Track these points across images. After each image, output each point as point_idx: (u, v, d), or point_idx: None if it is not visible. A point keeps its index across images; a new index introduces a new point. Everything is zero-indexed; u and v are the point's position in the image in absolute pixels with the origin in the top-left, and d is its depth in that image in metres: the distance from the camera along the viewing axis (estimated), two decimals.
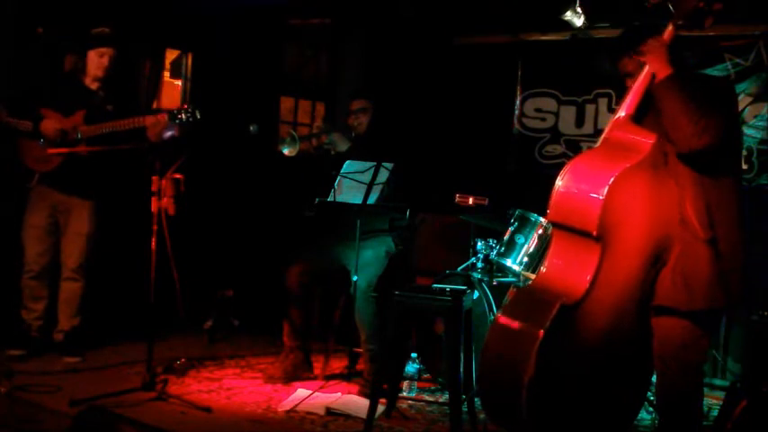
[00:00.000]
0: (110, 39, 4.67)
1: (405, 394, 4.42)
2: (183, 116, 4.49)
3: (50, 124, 4.52)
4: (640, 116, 3.16)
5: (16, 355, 4.56)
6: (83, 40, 4.71)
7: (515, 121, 6.00)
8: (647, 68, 3.10)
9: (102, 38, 4.66)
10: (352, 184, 4.27)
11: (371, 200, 4.28)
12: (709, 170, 2.98)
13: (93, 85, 4.69)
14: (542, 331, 3.00)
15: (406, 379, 4.53)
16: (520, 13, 5.83)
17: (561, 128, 5.85)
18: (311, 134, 4.83)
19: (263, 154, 5.76)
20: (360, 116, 4.77)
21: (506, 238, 4.57)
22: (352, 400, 4.21)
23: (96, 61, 4.65)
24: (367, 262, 4.45)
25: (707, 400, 4.23)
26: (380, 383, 3.95)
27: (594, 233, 3.01)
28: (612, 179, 2.99)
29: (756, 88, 5.09)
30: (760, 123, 5.08)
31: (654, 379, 3.26)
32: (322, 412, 4.02)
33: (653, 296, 3.07)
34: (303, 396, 4.20)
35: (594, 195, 3.02)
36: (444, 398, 4.39)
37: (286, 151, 4.57)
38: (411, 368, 4.68)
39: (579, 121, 5.78)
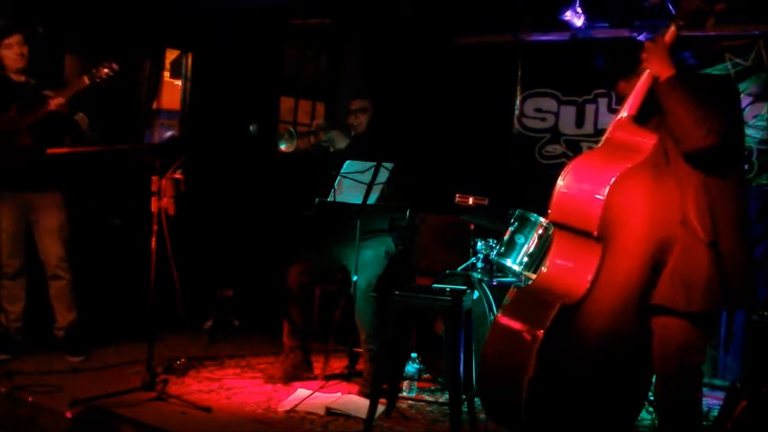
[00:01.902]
0: (8, 27, 4.53)
1: (405, 394, 4.42)
2: (103, 73, 4.37)
3: None
4: (642, 117, 3.16)
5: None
6: None
7: (515, 121, 6.00)
8: (648, 70, 3.10)
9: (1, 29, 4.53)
10: (352, 184, 4.27)
11: (371, 200, 4.28)
12: (711, 171, 2.98)
13: (21, 78, 4.58)
14: (543, 331, 3.00)
15: (406, 379, 4.52)
16: (520, 13, 5.83)
17: (561, 128, 5.85)
18: (309, 131, 4.83)
19: (263, 154, 5.76)
20: (359, 116, 4.77)
21: (506, 238, 4.58)
22: (352, 400, 4.21)
23: (8, 55, 4.52)
24: (367, 262, 4.45)
25: (707, 400, 4.23)
26: (380, 383, 3.95)
27: (595, 233, 3.01)
28: (613, 179, 2.99)
29: (756, 88, 5.09)
30: (760, 123, 5.08)
31: (654, 379, 3.26)
32: (322, 412, 4.02)
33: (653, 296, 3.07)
34: (303, 396, 4.20)
35: (595, 195, 3.02)
36: (444, 398, 4.38)
37: (283, 147, 4.57)
38: (411, 368, 4.68)
39: (579, 121, 5.78)
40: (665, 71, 3.02)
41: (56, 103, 4.41)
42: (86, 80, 4.41)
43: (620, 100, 3.26)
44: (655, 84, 3.07)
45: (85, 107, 4.62)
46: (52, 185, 4.62)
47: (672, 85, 2.99)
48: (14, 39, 4.51)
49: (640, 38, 3.27)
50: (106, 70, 4.38)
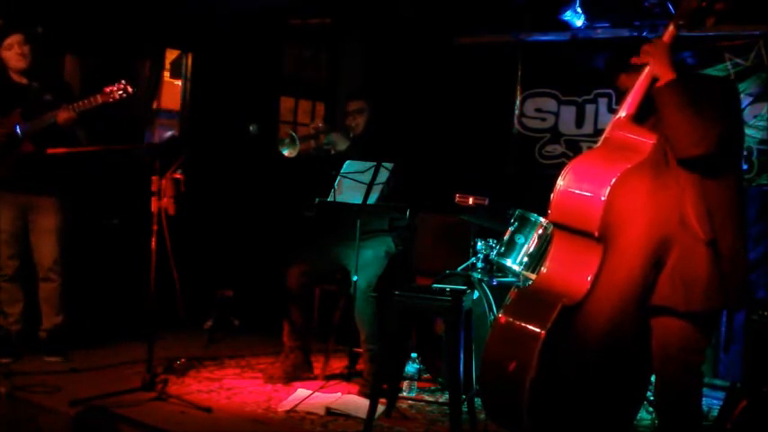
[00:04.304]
0: (6, 28, 4.49)
1: (405, 394, 4.42)
2: (117, 94, 4.37)
3: None
4: (641, 116, 3.15)
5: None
6: None
7: (515, 121, 6.01)
8: (647, 69, 3.10)
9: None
10: (352, 184, 4.27)
11: (371, 200, 4.28)
12: (710, 171, 2.97)
13: (23, 80, 4.56)
14: (544, 332, 2.99)
15: (406, 379, 4.52)
16: (520, 13, 5.83)
17: (561, 128, 5.85)
18: (310, 135, 4.82)
19: (263, 154, 5.76)
20: (356, 117, 4.77)
21: (506, 238, 4.58)
22: (352, 400, 4.21)
23: (9, 56, 4.49)
24: (367, 262, 4.45)
25: (707, 400, 4.23)
26: (380, 383, 3.95)
27: (596, 234, 3.01)
28: (614, 180, 2.99)
29: (756, 88, 5.09)
30: (760, 123, 5.08)
31: (653, 379, 3.26)
32: (322, 412, 4.02)
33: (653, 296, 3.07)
34: (303, 396, 4.20)
35: (596, 196, 3.01)
36: (444, 398, 4.39)
37: (286, 152, 4.57)
38: (411, 368, 4.68)
39: (579, 121, 5.78)
40: (665, 75, 3.01)
41: (64, 117, 4.38)
42: (99, 99, 4.39)
43: (621, 95, 3.25)
44: (652, 86, 3.07)
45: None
46: (51, 188, 4.61)
47: (669, 91, 2.98)
48: (14, 39, 4.48)
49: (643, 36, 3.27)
50: (120, 91, 4.37)
